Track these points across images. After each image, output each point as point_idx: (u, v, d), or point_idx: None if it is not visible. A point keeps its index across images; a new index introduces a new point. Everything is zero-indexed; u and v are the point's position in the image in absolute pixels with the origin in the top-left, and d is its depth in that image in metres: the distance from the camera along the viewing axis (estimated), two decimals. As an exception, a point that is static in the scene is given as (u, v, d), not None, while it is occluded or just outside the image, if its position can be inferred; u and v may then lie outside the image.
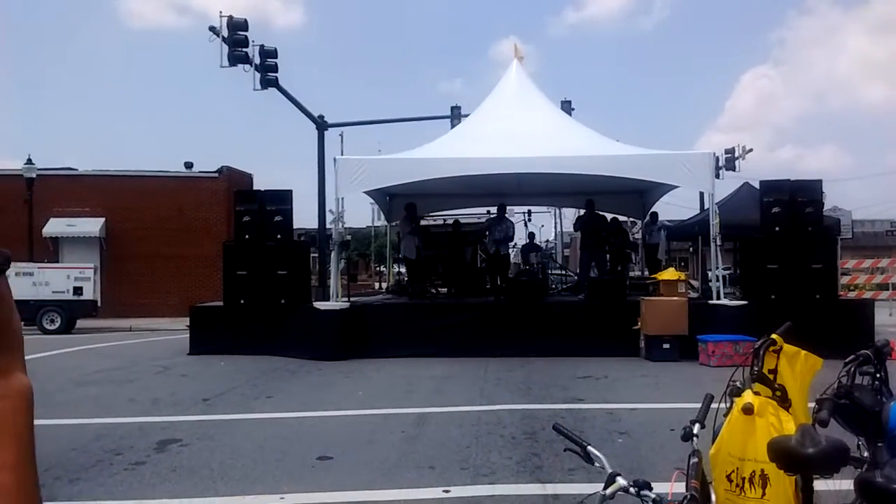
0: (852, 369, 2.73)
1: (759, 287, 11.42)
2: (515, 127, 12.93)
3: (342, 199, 12.17)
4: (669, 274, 11.73)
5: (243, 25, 15.59)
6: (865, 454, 2.56)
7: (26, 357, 0.62)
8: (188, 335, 12.67)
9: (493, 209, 16.23)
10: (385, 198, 16.73)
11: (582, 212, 15.68)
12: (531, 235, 19.80)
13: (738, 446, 2.58)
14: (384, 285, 24.25)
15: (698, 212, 21.04)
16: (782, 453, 2.20)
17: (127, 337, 15.67)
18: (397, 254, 16.44)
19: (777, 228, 11.52)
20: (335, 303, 11.98)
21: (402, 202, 16.25)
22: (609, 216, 16.14)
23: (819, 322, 9.54)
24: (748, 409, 2.55)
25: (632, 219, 19.71)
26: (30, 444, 0.61)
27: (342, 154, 15.77)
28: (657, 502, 2.02)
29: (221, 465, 5.51)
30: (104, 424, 6.90)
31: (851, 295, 17.58)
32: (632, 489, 2.03)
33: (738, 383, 2.72)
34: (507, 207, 17.20)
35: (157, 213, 22.22)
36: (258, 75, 16.40)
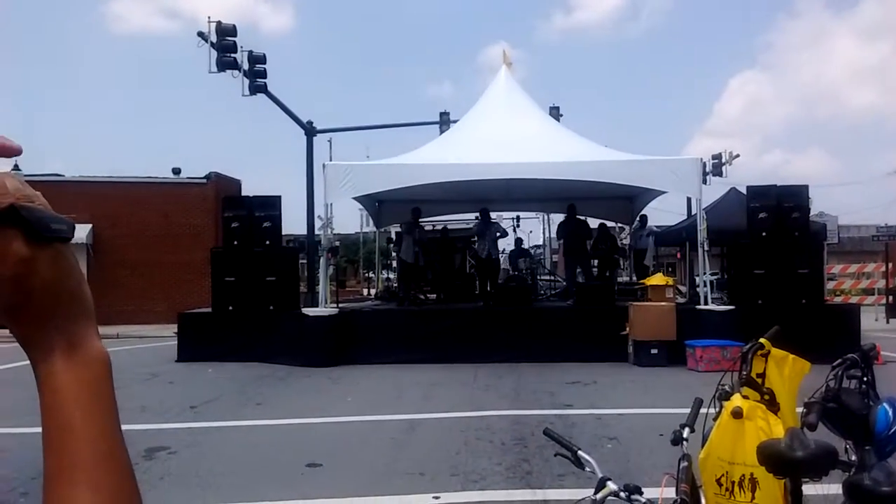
0: (840, 373, 2.75)
1: (746, 292, 11.49)
2: (504, 133, 12.96)
3: (331, 204, 12.15)
4: (657, 279, 11.79)
5: (232, 31, 15.55)
6: (853, 457, 2.58)
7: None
8: (176, 342, 12.60)
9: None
10: (374, 203, 16.73)
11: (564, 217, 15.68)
12: (519, 241, 19.87)
13: (728, 450, 2.59)
14: (373, 291, 24.22)
15: (686, 217, 21.16)
16: (772, 457, 2.22)
17: (114, 344, 15.53)
18: (386, 259, 16.42)
19: (764, 234, 11.61)
20: (324, 309, 11.94)
21: (391, 208, 16.26)
22: (597, 221, 16.20)
23: (805, 326, 9.58)
24: (737, 413, 2.56)
25: (620, 224, 19.79)
26: (114, 412, 0.62)
27: (331, 159, 15.78)
28: (647, 507, 2.02)
29: (210, 472, 5.47)
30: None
31: (837, 300, 17.70)
32: (622, 493, 2.03)
33: (727, 387, 2.73)
34: (496, 213, 17.21)
35: (145, 219, 22.06)
36: (247, 81, 16.36)
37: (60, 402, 0.59)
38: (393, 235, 18.88)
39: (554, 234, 41.96)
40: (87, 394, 0.60)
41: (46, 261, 0.58)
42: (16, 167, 20.43)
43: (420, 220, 14.81)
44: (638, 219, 16.86)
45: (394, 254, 16.00)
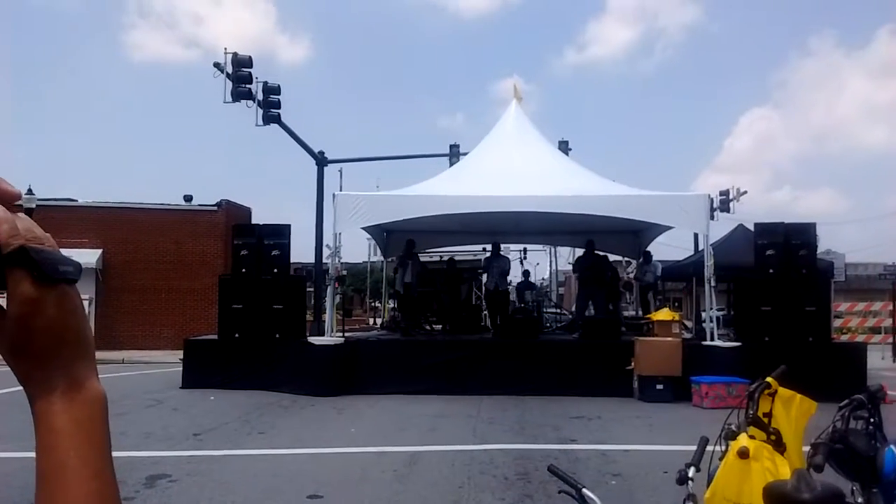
0: (846, 414, 2.75)
1: (752, 329, 11.43)
2: (513, 166, 13.07)
3: (339, 234, 12.22)
4: (664, 314, 11.75)
5: (247, 62, 15.78)
6: (860, 500, 2.57)
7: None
8: (181, 368, 12.59)
9: (489, 246, 16.31)
10: (382, 234, 16.80)
11: (581, 252, 15.70)
12: (526, 273, 19.82)
13: (734, 490, 2.58)
14: (379, 321, 24.17)
15: (693, 252, 21.14)
16: (778, 498, 2.21)
17: (120, 369, 15.52)
18: (392, 289, 16.44)
19: (771, 271, 11.58)
20: (330, 338, 11.93)
21: (399, 238, 16.30)
22: (602, 255, 16.19)
23: (812, 365, 9.54)
24: (743, 453, 2.56)
25: (626, 258, 19.80)
26: (108, 451, 0.63)
27: (341, 189, 15.83)
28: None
29: (211, 501, 5.45)
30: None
31: (844, 338, 17.56)
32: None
33: (733, 426, 2.73)
34: (503, 245, 17.26)
35: (155, 245, 22.21)
36: (260, 111, 16.55)
37: (57, 442, 0.60)
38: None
39: (561, 267, 41.94)
40: (83, 434, 0.61)
41: (52, 301, 0.60)
42: (29, 191, 20.62)
43: (419, 251, 14.84)
44: (642, 255, 16.88)
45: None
